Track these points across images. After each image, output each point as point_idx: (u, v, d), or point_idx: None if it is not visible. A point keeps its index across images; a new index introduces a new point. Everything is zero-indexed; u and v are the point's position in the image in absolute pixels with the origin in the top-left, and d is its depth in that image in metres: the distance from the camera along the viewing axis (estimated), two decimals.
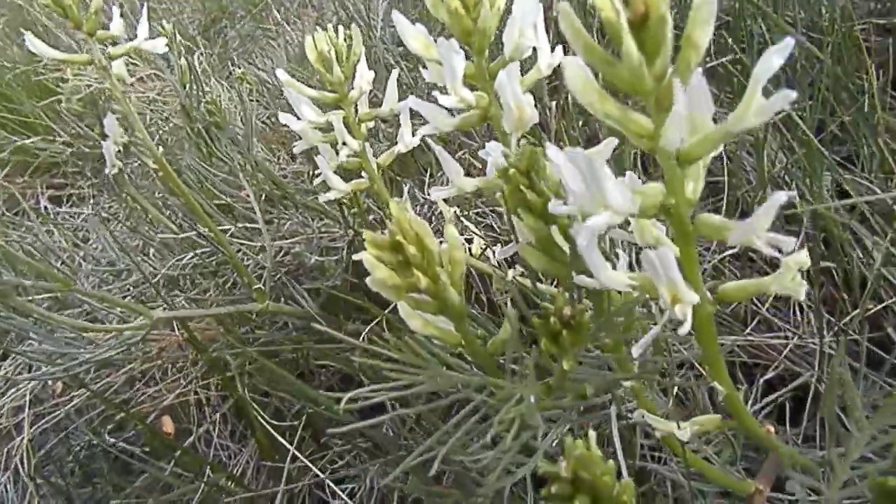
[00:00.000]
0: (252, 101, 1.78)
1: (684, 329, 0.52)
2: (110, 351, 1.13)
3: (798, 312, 1.27)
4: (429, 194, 0.77)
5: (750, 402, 1.11)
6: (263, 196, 1.48)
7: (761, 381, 1.13)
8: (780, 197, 0.48)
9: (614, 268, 0.62)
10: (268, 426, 1.41)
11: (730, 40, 1.44)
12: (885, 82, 1.41)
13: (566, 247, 0.64)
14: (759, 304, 1.30)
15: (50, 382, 1.65)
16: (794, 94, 0.45)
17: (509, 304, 0.65)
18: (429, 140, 0.76)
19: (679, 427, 0.71)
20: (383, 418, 0.69)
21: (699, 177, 0.56)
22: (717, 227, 0.54)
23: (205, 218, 1.23)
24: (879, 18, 1.64)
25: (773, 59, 0.47)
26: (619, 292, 0.68)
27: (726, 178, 1.42)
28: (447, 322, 0.69)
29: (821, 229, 1.29)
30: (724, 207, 1.41)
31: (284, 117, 0.97)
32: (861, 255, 1.27)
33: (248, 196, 1.36)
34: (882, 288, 1.22)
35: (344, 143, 0.95)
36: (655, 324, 0.59)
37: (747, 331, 1.23)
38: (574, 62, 0.49)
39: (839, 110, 1.37)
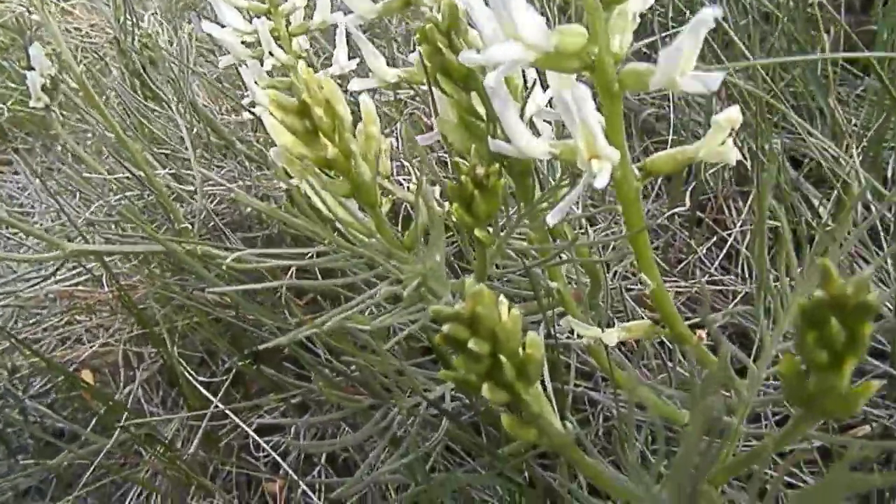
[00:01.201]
0: (201, 57, 1.71)
1: (600, 182, 0.47)
2: (23, 283, 1.05)
3: (747, 270, 1.24)
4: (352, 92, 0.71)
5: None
6: (202, 143, 1.42)
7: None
8: (707, 16, 0.43)
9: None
10: (193, 380, 1.33)
11: None
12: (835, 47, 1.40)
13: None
14: (707, 264, 1.28)
15: None
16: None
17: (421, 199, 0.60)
18: (352, 29, 0.71)
19: (604, 332, 0.66)
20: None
21: (626, 29, 0.52)
22: (640, 74, 0.49)
23: (132, 151, 1.16)
24: None
25: None
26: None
27: (671, 136, 1.39)
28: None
29: (770, 188, 1.27)
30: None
31: (207, 25, 0.91)
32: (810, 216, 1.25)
33: (181, 136, 1.29)
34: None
35: (270, 54, 0.89)
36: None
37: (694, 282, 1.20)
38: None
39: (791, 71, 1.36)
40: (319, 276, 0.97)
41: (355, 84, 0.71)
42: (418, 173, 0.54)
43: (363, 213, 0.66)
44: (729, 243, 1.29)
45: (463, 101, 0.60)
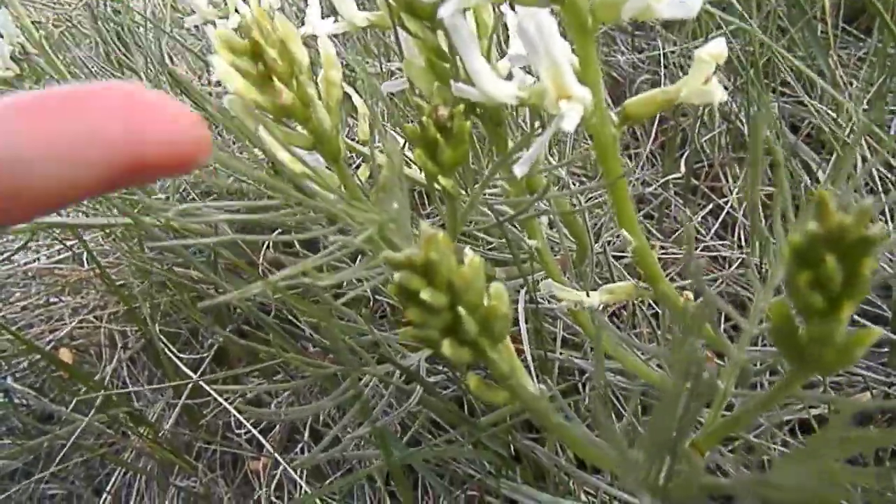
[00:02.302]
0: (184, 30, 1.65)
1: (568, 124, 0.43)
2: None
3: (743, 239, 1.20)
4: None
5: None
6: None
7: None
8: None
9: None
10: (174, 357, 1.29)
11: None
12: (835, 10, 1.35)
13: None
14: (703, 232, 1.23)
15: None
16: None
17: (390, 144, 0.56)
18: None
19: (588, 295, 0.62)
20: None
21: None
22: (614, 4, 0.44)
23: None
24: None
25: None
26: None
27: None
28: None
29: (766, 153, 1.22)
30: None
31: None
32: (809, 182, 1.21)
33: None
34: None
35: (236, 11, 0.85)
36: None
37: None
38: None
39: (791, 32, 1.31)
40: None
41: (322, 27, 0.66)
42: (368, 114, 0.49)
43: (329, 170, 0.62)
44: (725, 211, 1.24)
45: (429, 41, 0.55)
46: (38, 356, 1.44)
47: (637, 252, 0.57)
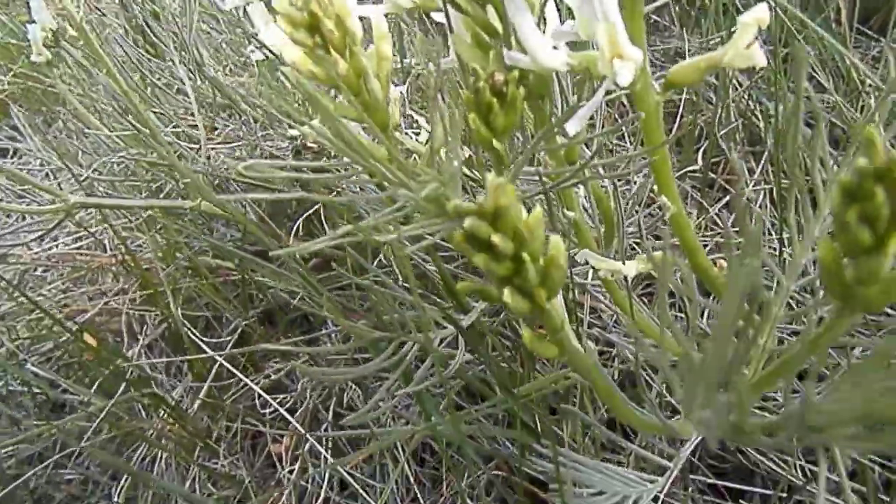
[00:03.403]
0: (203, 24, 1.68)
1: (623, 78, 0.46)
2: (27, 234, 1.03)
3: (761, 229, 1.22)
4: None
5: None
6: (206, 103, 1.39)
7: None
8: None
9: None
10: (198, 340, 1.32)
11: None
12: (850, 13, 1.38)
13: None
14: (721, 226, 1.26)
15: None
16: None
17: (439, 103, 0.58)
18: None
19: (624, 264, 0.65)
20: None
21: None
22: None
23: (136, 106, 1.14)
24: None
25: None
26: None
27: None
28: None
29: (783, 147, 1.24)
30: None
31: None
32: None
33: (186, 96, 1.27)
34: None
35: None
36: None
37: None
38: None
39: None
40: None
41: (367, 9, 0.68)
42: (433, 89, 0.52)
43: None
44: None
45: (478, 16, 0.58)
46: (61, 340, 1.46)
47: (674, 221, 0.59)
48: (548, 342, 0.50)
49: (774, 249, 0.80)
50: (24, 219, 1.15)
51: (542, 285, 0.44)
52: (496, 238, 0.40)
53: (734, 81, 1.37)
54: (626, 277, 0.65)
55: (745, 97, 1.37)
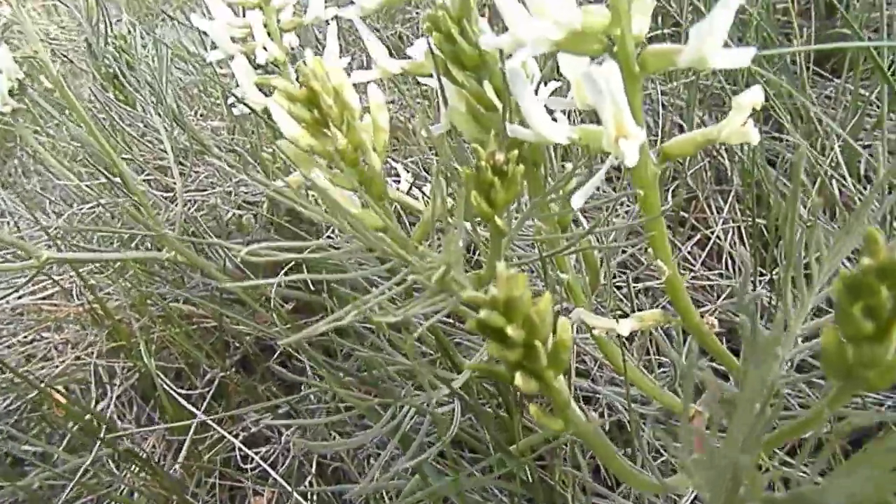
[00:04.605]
0: (171, 63, 1.67)
1: (630, 160, 0.47)
2: None
3: (730, 268, 1.26)
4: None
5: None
6: (179, 149, 1.38)
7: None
8: None
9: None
10: (175, 394, 1.28)
11: None
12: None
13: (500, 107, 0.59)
14: (693, 261, 1.29)
15: None
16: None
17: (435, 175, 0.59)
18: (355, 19, 0.70)
19: (618, 322, 0.66)
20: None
21: (646, 11, 0.52)
22: (665, 54, 0.49)
23: (109, 154, 1.12)
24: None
25: None
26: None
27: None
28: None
29: (749, 186, 1.30)
30: None
31: (197, 19, 0.89)
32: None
33: (158, 140, 1.26)
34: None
35: (264, 48, 0.88)
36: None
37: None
38: None
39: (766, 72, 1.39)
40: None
41: (358, 76, 0.69)
42: (435, 161, 0.53)
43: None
44: (712, 240, 1.31)
45: (473, 90, 0.59)
46: (27, 396, 1.41)
47: (669, 284, 0.61)
48: (554, 416, 0.51)
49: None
50: None
51: (551, 366, 0.45)
52: (510, 330, 0.41)
53: (700, 124, 1.42)
54: (618, 335, 0.67)
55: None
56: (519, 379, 0.44)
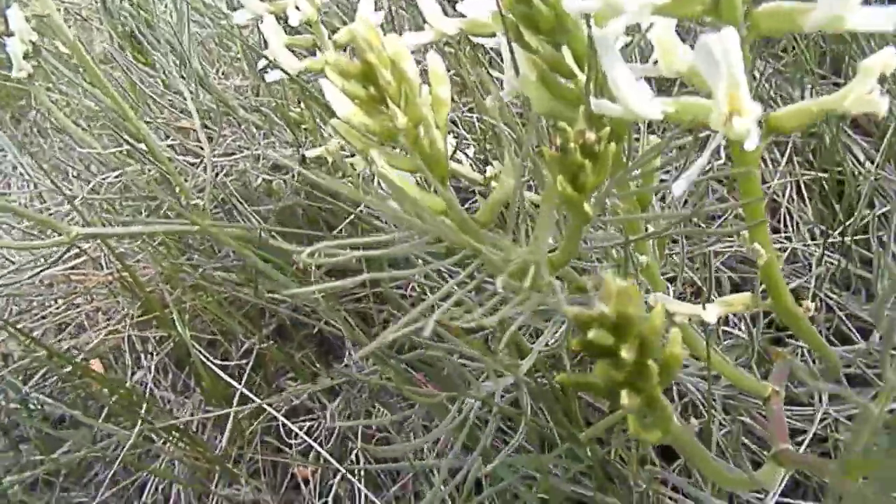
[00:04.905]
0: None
1: (750, 141, 0.41)
2: (25, 272, 0.96)
3: (789, 225, 1.19)
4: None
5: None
6: (204, 112, 1.31)
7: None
8: None
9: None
10: (212, 365, 1.26)
11: None
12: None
13: (580, 76, 0.52)
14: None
15: None
16: None
17: (509, 148, 0.53)
18: None
19: (704, 308, 0.60)
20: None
21: None
22: (785, 14, 0.42)
23: (132, 121, 1.06)
24: None
25: None
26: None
27: None
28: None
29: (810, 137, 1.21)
30: None
31: None
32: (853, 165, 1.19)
33: (184, 104, 1.19)
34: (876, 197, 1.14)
35: (296, 7, 0.80)
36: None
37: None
38: None
39: None
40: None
41: (409, 39, 0.62)
42: (506, 136, 0.46)
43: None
44: (767, 197, 1.23)
45: (548, 56, 0.52)
46: (60, 369, 1.40)
47: (766, 268, 0.55)
48: (652, 428, 0.46)
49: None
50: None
51: (661, 383, 0.40)
52: (624, 352, 0.35)
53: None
54: (702, 321, 0.61)
55: (766, 83, 1.32)
56: (625, 398, 0.39)
